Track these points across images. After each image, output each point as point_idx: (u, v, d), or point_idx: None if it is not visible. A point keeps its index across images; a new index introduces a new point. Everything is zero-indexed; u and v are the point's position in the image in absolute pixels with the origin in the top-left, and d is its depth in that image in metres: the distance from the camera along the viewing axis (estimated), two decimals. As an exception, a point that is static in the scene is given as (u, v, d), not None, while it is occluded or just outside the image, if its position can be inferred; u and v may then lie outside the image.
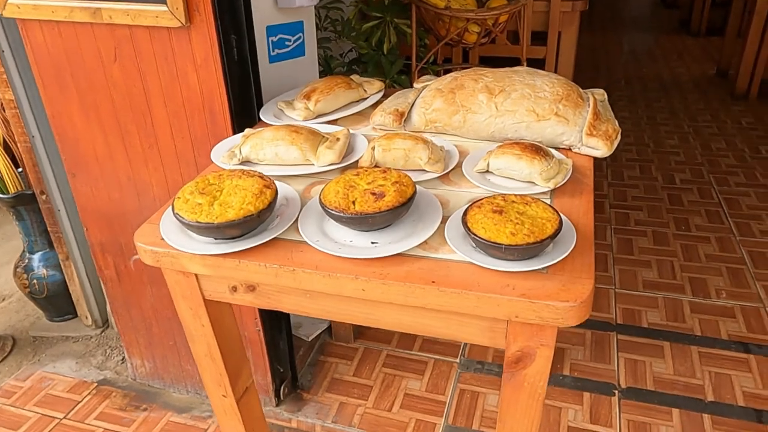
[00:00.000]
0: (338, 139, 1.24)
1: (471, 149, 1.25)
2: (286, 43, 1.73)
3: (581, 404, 1.74)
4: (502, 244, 0.86)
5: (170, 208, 1.02)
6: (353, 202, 0.97)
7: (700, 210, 2.71)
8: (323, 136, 1.26)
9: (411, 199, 0.97)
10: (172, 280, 1.10)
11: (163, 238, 1.01)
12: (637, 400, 1.75)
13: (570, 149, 1.22)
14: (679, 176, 3.04)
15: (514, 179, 1.11)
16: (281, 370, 1.83)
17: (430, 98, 1.32)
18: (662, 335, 1.98)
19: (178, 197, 1.00)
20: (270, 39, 1.67)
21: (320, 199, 0.99)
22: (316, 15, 2.06)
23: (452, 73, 1.38)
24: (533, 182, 1.08)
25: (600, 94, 1.34)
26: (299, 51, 1.78)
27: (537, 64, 2.73)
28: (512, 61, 2.57)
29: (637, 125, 3.77)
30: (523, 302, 0.84)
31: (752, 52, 3.95)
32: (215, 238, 0.98)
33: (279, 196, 1.06)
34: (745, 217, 2.63)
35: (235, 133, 1.46)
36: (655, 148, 3.40)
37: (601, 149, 1.18)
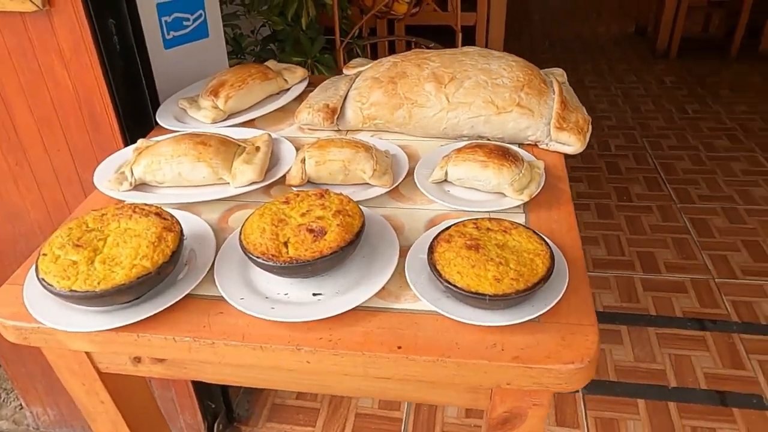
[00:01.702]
0: (258, 149, 1.00)
1: (421, 151, 1.05)
2: (184, 23, 1.43)
3: (545, 405, 1.62)
4: (486, 295, 0.66)
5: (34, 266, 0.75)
6: (285, 244, 0.74)
7: (639, 177, 2.66)
8: (238, 146, 1.01)
9: (360, 234, 0.76)
10: (52, 355, 0.84)
11: (29, 310, 0.74)
12: (602, 393, 1.66)
13: (536, 145, 1.04)
14: (614, 142, 2.98)
15: (478, 190, 0.91)
16: (213, 406, 1.59)
17: (367, 90, 1.10)
18: (618, 318, 1.89)
19: (44, 254, 0.74)
20: (163, 19, 1.36)
21: (242, 242, 0.75)
22: (219, -14, 1.75)
23: (389, 58, 1.15)
24: (502, 193, 0.90)
25: (561, 75, 1.16)
26: (201, 32, 1.49)
27: (467, 31, 2.55)
28: (442, 30, 2.36)
29: (565, 89, 3.69)
30: (515, 368, 0.66)
31: (671, 9, 3.94)
32: (101, 307, 0.73)
33: (186, 237, 0.81)
34: (683, 182, 2.60)
35: (126, 141, 1.18)
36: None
37: (574, 145, 1.00)
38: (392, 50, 2.50)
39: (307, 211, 0.78)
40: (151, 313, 0.72)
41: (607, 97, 3.56)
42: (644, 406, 1.61)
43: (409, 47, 2.33)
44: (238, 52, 1.83)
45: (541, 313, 0.69)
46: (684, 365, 1.72)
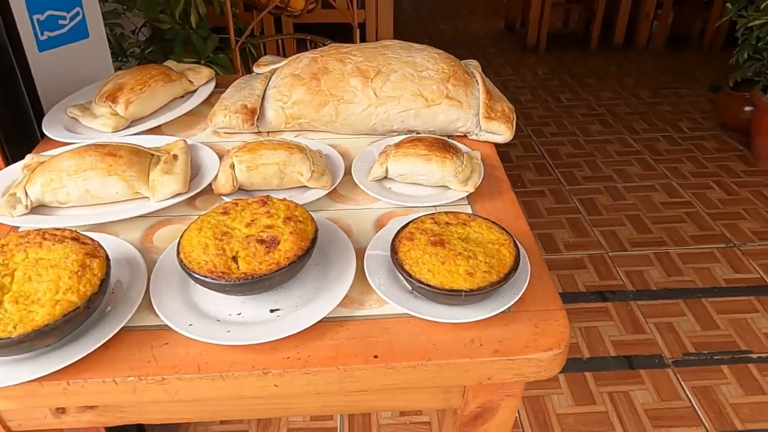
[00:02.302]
0: (176, 157, 0.90)
1: (351, 149, 1.01)
2: (60, 21, 1.27)
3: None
4: (462, 291, 0.64)
5: None
6: (234, 259, 0.67)
7: (529, 164, 2.81)
8: (152, 155, 0.90)
9: (315, 240, 0.70)
10: (-54, 419, 0.69)
11: None
12: (525, 373, 1.72)
13: (466, 136, 1.04)
14: (502, 132, 3.13)
15: (420, 185, 0.89)
16: (129, 446, 1.43)
17: (287, 88, 1.03)
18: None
19: (-66, 299, 0.60)
20: (35, 18, 1.20)
21: (182, 261, 0.67)
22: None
23: (307, 54, 1.10)
24: (446, 186, 0.88)
25: (477, 66, 1.17)
26: (80, 31, 1.33)
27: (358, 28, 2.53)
28: (332, 27, 2.32)
29: (450, 84, 3.82)
30: (497, 362, 0.64)
31: (537, 7, 4.22)
32: (19, 355, 0.61)
33: (110, 261, 0.71)
34: (567, 166, 2.78)
35: (7, 157, 1.01)
36: (472, 106, 3.46)
37: (504, 133, 1.01)
38: (283, 49, 2.42)
39: (252, 220, 0.71)
40: (83, 355, 0.61)
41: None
42: (564, 379, 1.70)
43: (303, 45, 2.27)
44: (120, 54, 1.66)
45: (512, 303, 0.68)
46: (593, 336, 1.84)
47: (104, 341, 0.63)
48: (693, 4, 4.41)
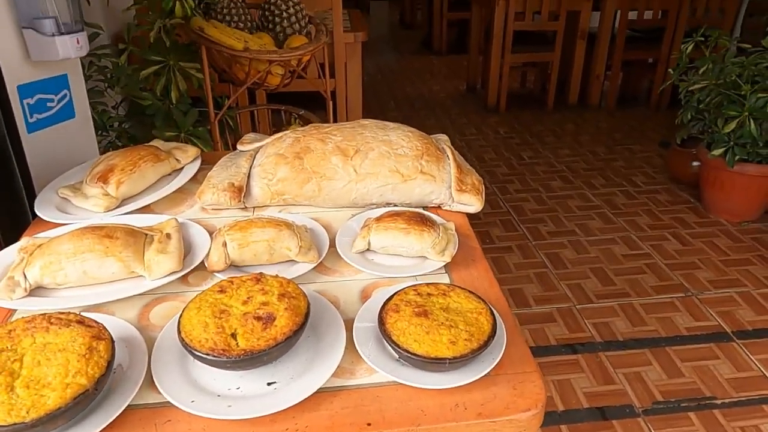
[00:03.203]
0: (169, 236, 0.95)
1: (333, 222, 1.07)
2: (48, 104, 1.33)
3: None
4: (446, 359, 0.70)
5: (-70, 405, 0.64)
6: (233, 336, 0.72)
7: (496, 221, 2.92)
8: (146, 235, 0.95)
9: (308, 314, 0.76)
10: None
11: (-75, 459, 0.62)
12: (503, 429, 1.75)
13: (440, 207, 1.12)
14: (468, 190, 3.25)
15: (401, 256, 0.96)
16: None
17: (272, 166, 1.10)
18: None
19: (-55, 387, 0.63)
20: (25, 102, 1.26)
21: (184, 340, 0.71)
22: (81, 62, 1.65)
23: (289, 133, 1.18)
24: (424, 257, 0.95)
25: (446, 140, 1.27)
26: (67, 112, 1.39)
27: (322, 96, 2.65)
28: (305, 96, 2.44)
29: (416, 144, 3.97)
30: (481, 424, 0.69)
31: (496, 69, 4.46)
32: (27, 439, 0.64)
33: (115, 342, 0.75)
34: (532, 222, 2.90)
35: (1, 243, 1.05)
36: (439, 165, 3.60)
37: (474, 204, 1.10)
38: (257, 119, 2.51)
39: (248, 298, 0.77)
40: (92, 435, 0.65)
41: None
42: (541, 434, 1.74)
43: (277, 115, 2.36)
44: (101, 128, 1.72)
45: (491, 367, 0.74)
46: (566, 389, 1.89)
47: (110, 421, 0.66)
48: (640, 66, 4.74)
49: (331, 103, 2.06)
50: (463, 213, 1.12)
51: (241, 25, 1.81)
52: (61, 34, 1.22)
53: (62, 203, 1.10)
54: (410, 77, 5.75)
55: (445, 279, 0.93)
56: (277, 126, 2.36)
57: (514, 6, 4.16)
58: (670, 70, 2.87)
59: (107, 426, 0.66)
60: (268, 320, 0.73)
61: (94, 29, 1.56)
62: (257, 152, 1.17)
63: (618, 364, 1.99)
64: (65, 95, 1.38)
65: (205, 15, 1.80)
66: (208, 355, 0.69)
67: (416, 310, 0.75)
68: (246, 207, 1.11)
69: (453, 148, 1.24)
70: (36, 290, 0.87)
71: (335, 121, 2.69)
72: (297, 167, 1.09)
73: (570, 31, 4.39)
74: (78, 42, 1.26)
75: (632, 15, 4.31)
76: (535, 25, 4.31)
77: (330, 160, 1.09)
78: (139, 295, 0.88)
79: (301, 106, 2.42)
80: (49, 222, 1.03)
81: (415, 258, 0.96)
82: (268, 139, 1.20)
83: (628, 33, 4.42)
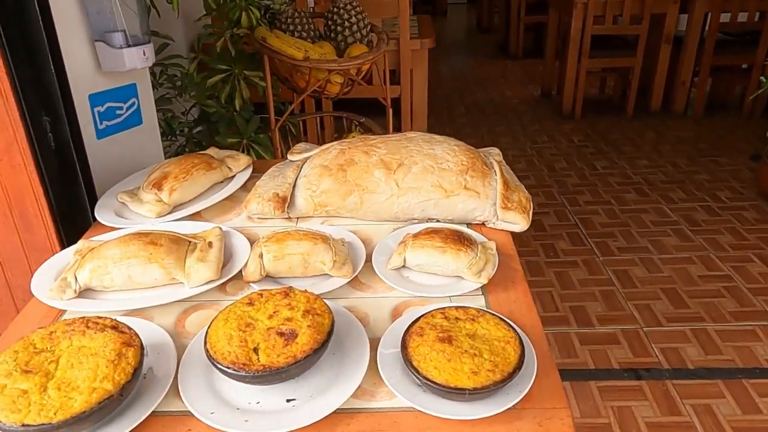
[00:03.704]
0: (210, 245, 0.98)
1: (373, 235, 1.07)
2: (117, 112, 1.41)
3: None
4: (466, 389, 0.67)
5: (-25, 399, 0.69)
6: (255, 350, 0.72)
7: (562, 233, 2.81)
8: (189, 242, 0.98)
9: (330, 333, 0.75)
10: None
11: (-33, 450, 0.67)
12: (554, 454, 1.68)
13: (484, 224, 1.09)
14: (536, 200, 3.15)
15: (436, 275, 0.94)
16: None
17: (316, 177, 1.11)
18: (561, 375, 1.95)
19: (-12, 384, 0.68)
20: (95, 110, 1.34)
21: (208, 351, 0.73)
22: (150, 72, 1.74)
23: (335, 145, 1.18)
24: (461, 277, 0.92)
25: (497, 154, 1.23)
26: (135, 119, 1.47)
27: (393, 102, 2.65)
28: (369, 103, 2.45)
29: (485, 151, 3.89)
30: (500, 460, 0.66)
31: (572, 75, 4.31)
32: (56, 439, 0.67)
33: (147, 350, 0.77)
34: (602, 236, 2.77)
35: (62, 240, 1.12)
36: (507, 174, 3.51)
37: (520, 223, 1.06)
38: (322, 125, 2.55)
39: (275, 312, 0.77)
40: (114, 440, 0.67)
41: (524, 157, 3.78)
42: (596, 463, 1.65)
43: (339, 121, 2.39)
44: (170, 134, 1.80)
45: (517, 400, 0.70)
46: (627, 417, 1.79)
47: (133, 426, 0.69)
48: (731, 72, 4.41)
49: (390, 110, 2.05)
50: (507, 231, 1.08)
51: (305, 34, 1.85)
52: (129, 46, 1.29)
53: (120, 208, 1.16)
54: (483, 82, 5.66)
55: (480, 301, 0.90)
56: (339, 133, 2.39)
57: (593, 9, 4.00)
58: (761, 77, 2.65)
59: (130, 431, 0.68)
60: (291, 337, 0.73)
61: (164, 39, 1.63)
62: (305, 163, 1.19)
63: (686, 394, 1.86)
64: (134, 103, 1.46)
65: (270, 25, 1.85)
66: (228, 368, 0.70)
67: (440, 335, 0.73)
68: (290, 217, 1.13)
69: (503, 163, 1.20)
70: (85, 292, 0.92)
71: (395, 128, 2.69)
72: (340, 179, 1.09)
73: (654, 35, 4.16)
74: (144, 54, 1.33)
75: (724, 17, 4.03)
76: (615, 29, 4.12)
77: (373, 174, 1.08)
78: (178, 301, 0.90)
79: (368, 112, 2.43)
80: (106, 226, 1.09)
81: (452, 277, 0.93)
82: (317, 150, 1.21)
83: (719, 36, 4.13)
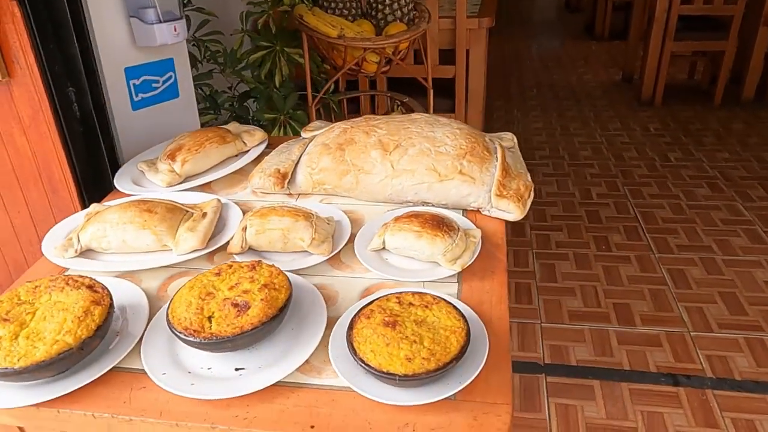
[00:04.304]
0: (205, 215, 1.02)
1: (366, 216, 1.07)
2: (154, 85, 1.48)
3: (514, 464, 1.59)
4: (396, 375, 0.67)
5: (-37, 340, 0.76)
6: (209, 318, 0.75)
7: (618, 226, 2.67)
8: (186, 211, 1.03)
9: (284, 309, 0.77)
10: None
11: (-48, 384, 0.75)
12: (571, 452, 1.63)
13: (479, 211, 1.06)
14: (596, 190, 3.01)
15: (414, 259, 0.93)
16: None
17: (317, 155, 1.12)
18: (591, 372, 1.87)
19: (-28, 328, 0.75)
20: (131, 82, 1.41)
21: (168, 316, 0.77)
22: (196, 47, 1.81)
23: (340, 124, 1.18)
24: (437, 263, 0.91)
25: (509, 139, 1.19)
26: (172, 92, 1.54)
27: (446, 83, 2.61)
28: (420, 82, 2.42)
29: (551, 136, 3.75)
30: (426, 449, 0.66)
31: (654, 58, 4.03)
32: (23, 383, 0.74)
33: (121, 304, 0.83)
34: (662, 232, 2.61)
35: (85, 204, 1.20)
36: (570, 161, 3.36)
37: (513, 212, 1.02)
38: (372, 105, 2.55)
39: (236, 283, 0.80)
40: (71, 390, 0.73)
41: (591, 144, 3.60)
42: (614, 466, 1.58)
43: (382, 100, 2.39)
44: (214, 108, 1.87)
45: (455, 391, 0.69)
46: (656, 423, 1.69)
47: (93, 379, 0.74)
48: (842, 59, 3.96)
49: (431, 91, 2.02)
50: (501, 220, 1.04)
51: (345, 12, 1.85)
52: (161, 22, 1.35)
53: (138, 176, 1.23)
54: (563, 64, 5.42)
55: (453, 288, 0.88)
56: (381, 112, 2.39)
57: (681, -13, 3.71)
58: None
59: (90, 383, 0.74)
60: (243, 308, 0.75)
61: (208, 16, 1.69)
62: (312, 140, 1.20)
63: (727, 406, 1.73)
64: (170, 77, 1.53)
65: (313, 2, 1.87)
66: (181, 333, 0.74)
67: (386, 319, 0.73)
68: (291, 193, 1.15)
69: (513, 149, 1.16)
70: (86, 253, 0.99)
71: (448, 109, 2.64)
72: (338, 158, 1.10)
73: (751, 16, 3.80)
74: (175, 29, 1.38)
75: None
76: (706, 9, 3.80)
77: (369, 154, 1.08)
78: (165, 266, 0.95)
79: (420, 91, 2.40)
80: (122, 193, 1.16)
81: (429, 263, 0.92)
82: (327, 128, 1.22)
83: (829, 19, 3.70)
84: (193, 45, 1.78)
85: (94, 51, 1.22)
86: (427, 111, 2.16)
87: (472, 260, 0.91)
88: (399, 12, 1.87)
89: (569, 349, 1.98)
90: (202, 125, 1.85)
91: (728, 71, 3.98)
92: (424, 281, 0.89)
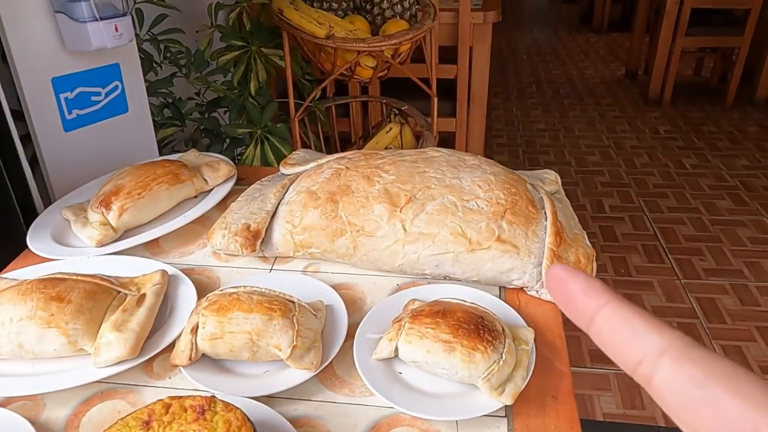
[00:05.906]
0: (142, 300, 0.72)
1: (368, 294, 0.78)
2: (93, 98, 1.17)
3: None
4: None
5: None
6: None
7: (637, 245, 2.41)
8: (117, 293, 0.73)
9: (246, 499, 0.48)
10: None
11: None
12: None
13: (523, 290, 0.78)
14: (608, 202, 2.74)
15: (441, 377, 0.64)
16: None
17: (300, 207, 0.83)
18: (623, 430, 1.62)
19: None
20: (62, 96, 1.11)
21: None
22: (155, 48, 1.50)
23: (333, 160, 0.89)
24: (475, 386, 0.62)
25: (552, 182, 0.91)
26: (118, 106, 1.23)
27: (447, 84, 2.31)
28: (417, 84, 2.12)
29: (555, 138, 3.48)
30: None
31: (663, 54, 3.76)
32: None
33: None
34: (685, 252, 2.35)
35: (-10, 268, 0.89)
36: (577, 167, 3.10)
37: (574, 296, 0.73)
38: (365, 111, 2.25)
39: (173, 445, 0.51)
40: None
41: (598, 148, 3.33)
42: None
43: (376, 107, 2.09)
44: (179, 119, 1.56)
45: None
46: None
47: None
48: None
49: (435, 100, 1.73)
50: (555, 304, 0.76)
51: (335, 5, 1.55)
52: (96, 19, 1.04)
53: (64, 228, 0.93)
54: (561, 57, 5.15)
55: (502, 429, 0.60)
56: (375, 121, 2.09)
57: (695, -22, 3.44)
58: None
59: None
60: (179, 505, 0.46)
61: (165, 9, 1.38)
62: (293, 181, 0.91)
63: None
64: (116, 87, 1.22)
65: (296, -7, 1.57)
66: None
67: None
68: (265, 256, 0.86)
69: (560, 195, 0.88)
70: (-32, 359, 0.69)
71: (449, 113, 2.35)
72: (329, 213, 0.80)
73: (765, 11, 3.55)
74: (117, 29, 1.08)
75: None
76: (721, 2, 3.54)
77: (372, 209, 0.78)
78: (79, 387, 0.66)
79: (420, 94, 2.11)
80: (37, 255, 0.86)
81: (463, 384, 0.63)
82: (312, 164, 0.93)
83: None
84: (151, 44, 1.47)
85: (8, 57, 0.91)
86: (428, 117, 1.86)
87: (527, 382, 0.62)
88: (399, 6, 1.57)
89: (593, 398, 1.72)
90: (163, 141, 1.54)
91: (741, 69, 3.73)
92: (457, 420, 0.60)
